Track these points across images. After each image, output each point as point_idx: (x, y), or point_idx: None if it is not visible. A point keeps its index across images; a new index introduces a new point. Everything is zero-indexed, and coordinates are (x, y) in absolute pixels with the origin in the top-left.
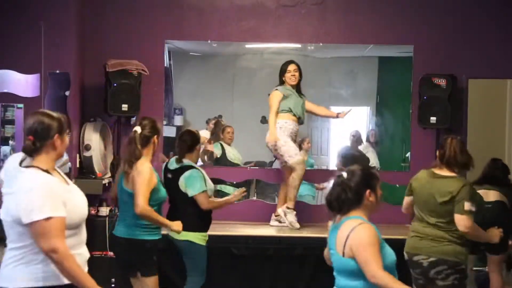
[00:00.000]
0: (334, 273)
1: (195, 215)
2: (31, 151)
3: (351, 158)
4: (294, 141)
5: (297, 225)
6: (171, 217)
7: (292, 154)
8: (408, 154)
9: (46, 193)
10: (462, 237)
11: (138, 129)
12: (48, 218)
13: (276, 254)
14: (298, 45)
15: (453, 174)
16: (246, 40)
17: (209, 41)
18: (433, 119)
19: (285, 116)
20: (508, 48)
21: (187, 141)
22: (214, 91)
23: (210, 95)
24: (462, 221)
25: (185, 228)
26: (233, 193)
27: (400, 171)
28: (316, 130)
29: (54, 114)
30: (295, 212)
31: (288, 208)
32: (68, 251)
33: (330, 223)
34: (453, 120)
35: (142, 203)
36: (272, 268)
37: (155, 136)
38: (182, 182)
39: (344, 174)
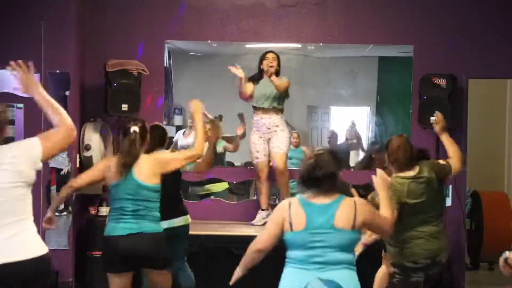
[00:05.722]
0: (325, 251)
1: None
2: None
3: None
4: (269, 133)
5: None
6: (168, 202)
7: (252, 151)
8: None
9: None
10: None
11: (136, 129)
12: None
13: (276, 254)
14: (298, 45)
15: (418, 167)
16: (246, 40)
17: (209, 41)
18: (433, 119)
19: (254, 113)
20: (508, 48)
21: (157, 136)
22: (214, 91)
23: (210, 95)
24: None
25: (185, 212)
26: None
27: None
28: (316, 130)
29: (3, 107)
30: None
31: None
32: None
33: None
34: (453, 120)
35: (197, 151)
36: (272, 268)
37: (148, 136)
38: None
39: (322, 152)
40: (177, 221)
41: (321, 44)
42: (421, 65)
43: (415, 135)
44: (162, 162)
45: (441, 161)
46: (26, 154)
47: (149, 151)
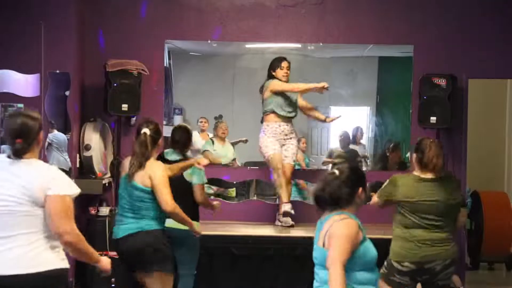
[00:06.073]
0: (315, 268)
1: (195, 205)
2: (22, 152)
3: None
4: (285, 139)
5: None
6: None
7: (266, 150)
8: (408, 154)
9: (64, 175)
10: (455, 235)
11: (147, 131)
12: (70, 196)
13: (276, 254)
14: (298, 45)
15: (440, 175)
16: (246, 40)
17: (209, 41)
18: (433, 119)
19: (267, 119)
20: (508, 48)
21: (182, 138)
22: (214, 91)
23: (210, 95)
24: (464, 215)
25: (190, 218)
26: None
27: (400, 171)
28: (315, 130)
29: (34, 113)
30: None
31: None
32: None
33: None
34: (453, 120)
35: (170, 201)
36: (272, 268)
37: (160, 139)
38: (188, 171)
39: (337, 172)
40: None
41: (321, 44)
42: (421, 65)
43: (415, 135)
44: (155, 176)
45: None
46: (39, 183)
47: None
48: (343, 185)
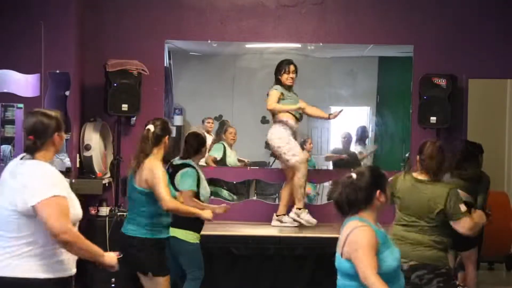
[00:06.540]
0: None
1: None
2: (33, 150)
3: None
4: (295, 139)
5: (314, 221)
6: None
7: (295, 152)
8: (408, 154)
9: (56, 177)
10: (443, 242)
11: (151, 127)
12: (58, 196)
13: (276, 254)
14: (298, 45)
15: (436, 179)
16: (246, 40)
17: (209, 41)
18: (433, 119)
19: (286, 115)
20: (508, 48)
21: (193, 145)
22: (214, 91)
23: (210, 95)
24: (463, 224)
25: (173, 224)
26: (218, 207)
27: (400, 171)
28: (316, 130)
29: (52, 113)
30: (306, 210)
31: (298, 209)
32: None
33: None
34: (453, 120)
35: (167, 197)
36: (272, 268)
37: (167, 137)
38: (177, 177)
39: (354, 175)
40: None
41: (321, 44)
42: (421, 65)
43: (415, 135)
44: (152, 174)
45: (462, 206)
46: (19, 188)
47: (184, 158)
48: (359, 189)
